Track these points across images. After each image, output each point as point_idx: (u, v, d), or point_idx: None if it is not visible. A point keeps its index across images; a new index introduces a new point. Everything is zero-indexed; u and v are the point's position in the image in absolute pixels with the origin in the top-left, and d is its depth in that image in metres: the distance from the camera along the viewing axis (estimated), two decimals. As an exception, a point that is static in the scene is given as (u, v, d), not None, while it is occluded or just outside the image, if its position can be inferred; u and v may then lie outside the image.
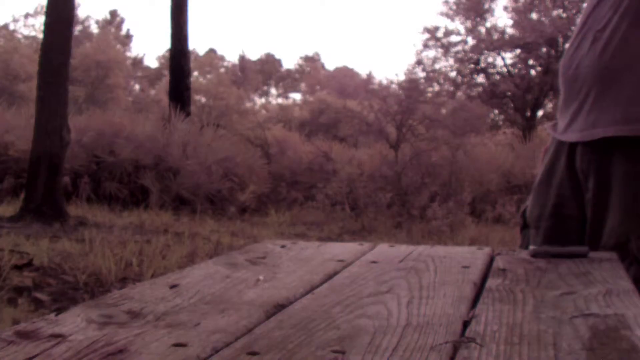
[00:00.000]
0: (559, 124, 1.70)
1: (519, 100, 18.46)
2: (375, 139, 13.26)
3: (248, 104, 36.92)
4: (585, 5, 1.67)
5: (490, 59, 18.91)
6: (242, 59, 47.11)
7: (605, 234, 1.55)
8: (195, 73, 35.43)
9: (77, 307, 0.94)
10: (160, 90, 32.11)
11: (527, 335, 0.82)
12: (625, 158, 1.55)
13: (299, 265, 1.32)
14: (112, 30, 41.60)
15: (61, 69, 7.89)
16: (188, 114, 12.66)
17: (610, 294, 1.04)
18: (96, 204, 9.75)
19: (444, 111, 14.97)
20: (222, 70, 43.35)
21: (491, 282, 1.14)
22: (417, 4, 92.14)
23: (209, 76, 39.89)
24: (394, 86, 14.36)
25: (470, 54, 18.85)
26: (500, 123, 19.66)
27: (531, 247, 1.44)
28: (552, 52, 17.86)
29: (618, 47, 1.53)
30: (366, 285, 1.12)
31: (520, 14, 17.99)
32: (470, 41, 19.00)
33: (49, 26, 7.98)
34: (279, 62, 49.70)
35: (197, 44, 77.97)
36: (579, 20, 1.67)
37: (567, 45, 1.73)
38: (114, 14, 42.32)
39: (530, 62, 18.52)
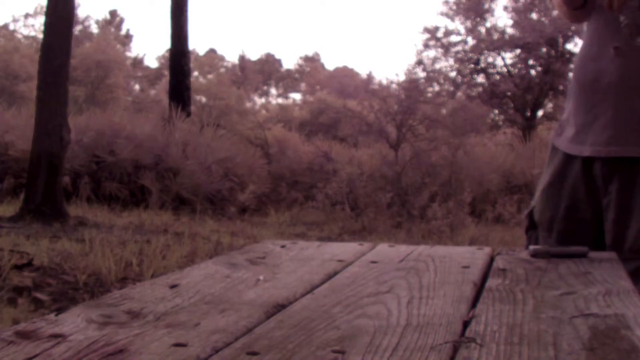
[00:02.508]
0: (567, 130, 1.68)
1: (519, 100, 18.46)
2: (375, 139, 13.26)
3: (248, 104, 36.93)
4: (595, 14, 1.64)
5: (490, 59, 18.92)
6: (242, 59, 47.14)
7: (631, 237, 1.54)
8: (195, 73, 35.43)
9: (77, 307, 0.94)
10: (160, 90, 32.11)
11: (527, 335, 0.82)
12: None
13: (299, 265, 1.32)
14: (112, 30, 41.61)
15: (61, 69, 7.88)
16: (188, 114, 12.67)
17: (610, 294, 1.04)
18: (96, 204, 9.75)
19: (444, 111, 14.97)
20: (222, 70, 43.35)
21: (491, 282, 1.15)
22: (417, 4, 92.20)
23: (209, 76, 39.90)
24: (394, 86, 14.37)
25: (470, 54, 18.86)
26: (500, 123, 19.66)
27: (531, 247, 1.44)
28: (552, 52, 17.86)
29: None
30: (366, 285, 1.12)
31: (520, 14, 17.99)
32: (470, 41, 19.01)
33: (49, 26, 7.98)
34: (279, 62, 49.72)
35: (197, 44, 78.08)
36: (588, 26, 1.65)
37: (578, 50, 1.70)
38: (113, 14, 42.35)
39: (530, 62, 18.52)
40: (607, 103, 1.57)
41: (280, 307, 0.97)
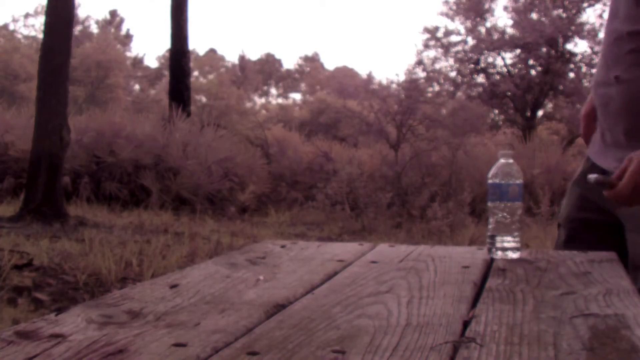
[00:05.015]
0: (596, 142, 1.73)
1: (519, 100, 18.45)
2: (375, 139, 13.25)
3: (248, 104, 36.95)
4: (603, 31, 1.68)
5: (490, 59, 18.91)
6: (242, 59, 47.13)
7: (632, 253, 1.57)
8: (195, 73, 35.45)
9: (77, 307, 0.94)
10: (160, 90, 32.13)
11: (527, 335, 0.82)
12: None
13: (299, 265, 1.32)
14: (112, 30, 41.60)
15: (61, 69, 7.88)
16: (188, 114, 12.66)
17: (610, 294, 1.04)
18: (96, 204, 9.75)
19: (444, 111, 14.96)
20: (222, 70, 43.34)
21: (491, 282, 1.15)
22: (417, 4, 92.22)
23: (209, 76, 39.90)
24: (394, 86, 14.35)
25: (470, 54, 18.84)
26: (500, 123, 19.65)
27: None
28: (552, 52, 17.86)
29: None
30: (366, 285, 1.12)
31: (520, 14, 17.98)
32: (470, 41, 19.00)
33: (49, 26, 7.97)
34: (279, 62, 49.72)
35: (197, 44, 78.11)
36: (601, 49, 1.68)
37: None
38: (113, 13, 42.34)
39: (530, 62, 18.51)
40: (618, 127, 1.62)
41: (280, 307, 0.97)
